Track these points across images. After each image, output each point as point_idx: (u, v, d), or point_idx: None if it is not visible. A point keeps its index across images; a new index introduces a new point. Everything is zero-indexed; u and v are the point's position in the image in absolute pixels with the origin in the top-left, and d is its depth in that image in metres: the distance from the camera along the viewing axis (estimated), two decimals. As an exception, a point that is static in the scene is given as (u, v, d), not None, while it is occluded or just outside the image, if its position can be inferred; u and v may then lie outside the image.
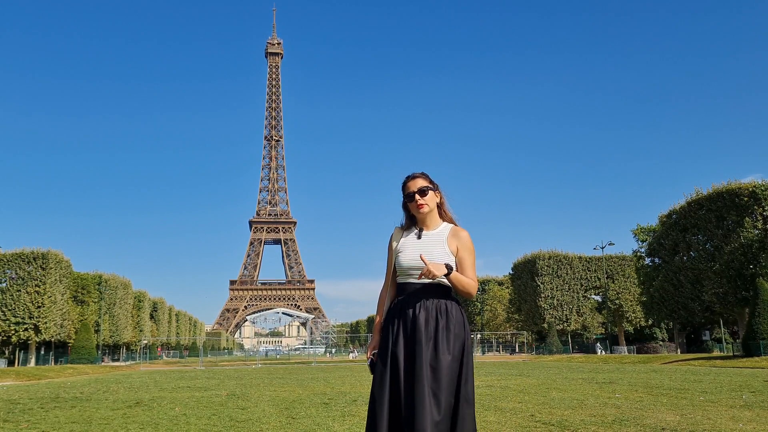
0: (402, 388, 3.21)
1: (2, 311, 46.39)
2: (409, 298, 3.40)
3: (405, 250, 3.47)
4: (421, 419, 3.06)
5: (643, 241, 57.98)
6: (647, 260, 48.18)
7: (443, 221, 3.58)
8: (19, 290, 47.03)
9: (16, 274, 47.44)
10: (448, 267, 3.26)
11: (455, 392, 3.20)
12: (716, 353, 43.43)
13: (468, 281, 3.33)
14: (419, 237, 3.50)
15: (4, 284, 47.64)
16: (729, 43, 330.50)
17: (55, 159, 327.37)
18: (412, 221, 3.60)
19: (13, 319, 46.34)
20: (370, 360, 3.49)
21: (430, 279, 3.33)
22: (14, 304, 46.69)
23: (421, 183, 3.52)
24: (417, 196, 3.49)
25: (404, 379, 3.22)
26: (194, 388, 16.47)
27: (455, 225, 3.57)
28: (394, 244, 3.55)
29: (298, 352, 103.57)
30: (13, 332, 46.40)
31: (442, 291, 3.40)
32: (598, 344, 55.36)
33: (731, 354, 35.04)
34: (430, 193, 3.51)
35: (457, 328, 3.32)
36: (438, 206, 3.58)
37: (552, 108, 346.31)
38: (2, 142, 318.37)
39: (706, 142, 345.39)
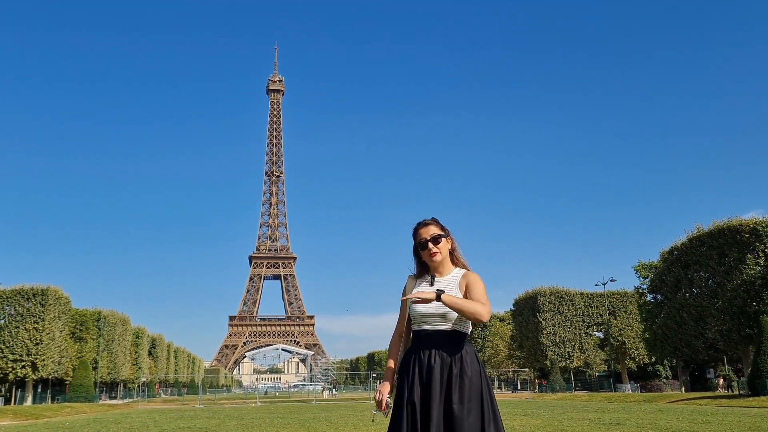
0: None
1: (0, 348, 45.98)
2: (423, 346, 3.38)
3: (418, 298, 3.46)
4: None
5: (644, 278, 57.80)
6: (649, 297, 47.96)
7: (455, 267, 3.58)
8: (18, 327, 46.67)
9: (15, 310, 47.15)
10: (438, 291, 3.24)
11: None
12: (721, 392, 42.93)
13: (470, 303, 3.25)
14: (432, 284, 3.51)
15: (3, 321, 47.31)
16: (730, 79, 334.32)
17: (55, 196, 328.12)
18: (424, 268, 3.61)
19: (10, 357, 45.88)
20: (386, 403, 3.43)
21: (440, 314, 3.32)
22: (12, 340, 46.29)
23: (433, 230, 3.53)
24: (430, 245, 3.49)
25: (421, 429, 3.19)
26: (195, 429, 16.24)
27: (468, 270, 3.57)
28: (408, 294, 3.56)
29: (297, 389, 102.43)
30: (10, 370, 45.89)
31: (457, 338, 3.38)
32: (630, 383, 54.16)
33: (737, 393, 34.65)
34: (443, 240, 3.52)
35: (474, 377, 3.29)
36: (450, 252, 3.58)
37: (553, 144, 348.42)
38: (2, 178, 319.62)
39: (706, 178, 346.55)
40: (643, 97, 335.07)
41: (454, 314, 3.34)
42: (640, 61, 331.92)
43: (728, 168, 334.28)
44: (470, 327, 3.48)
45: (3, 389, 53.57)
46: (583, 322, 58.94)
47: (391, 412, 3.38)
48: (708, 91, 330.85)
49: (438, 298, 3.23)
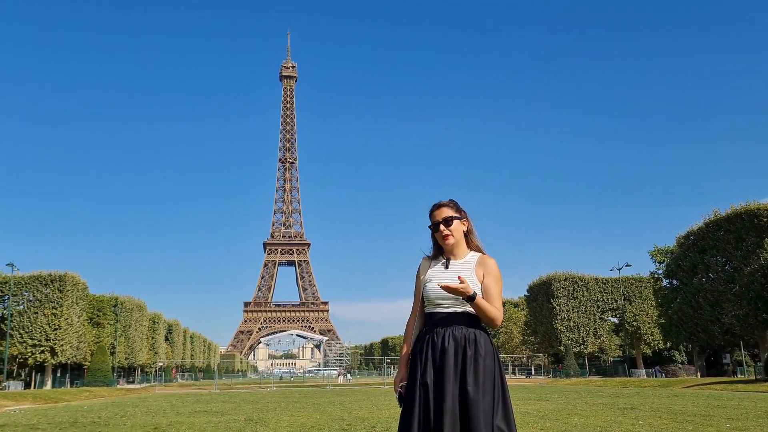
0: (432, 420, 3.16)
1: (19, 333, 46.66)
2: (436, 328, 3.36)
3: (432, 280, 3.44)
4: None
5: (660, 263, 57.47)
6: (665, 282, 47.66)
7: (470, 250, 3.55)
8: (36, 312, 47.33)
9: (34, 296, 47.78)
10: (475, 293, 3.23)
11: (491, 428, 3.13)
12: (739, 377, 42.68)
13: (493, 309, 3.27)
14: (446, 267, 3.48)
15: (22, 306, 47.98)
16: (749, 62, 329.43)
17: (72, 183, 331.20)
18: (440, 250, 3.58)
19: (30, 342, 46.58)
20: (398, 393, 3.44)
21: (454, 296, 3.29)
22: (31, 326, 46.97)
23: (446, 212, 3.49)
24: (442, 227, 3.46)
25: (434, 410, 3.18)
26: (211, 413, 16.40)
27: (483, 253, 3.54)
28: (422, 275, 3.53)
29: (312, 375, 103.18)
30: (29, 354, 46.61)
31: (470, 320, 3.35)
32: (658, 367, 54.05)
33: (753, 378, 34.43)
34: (456, 222, 3.48)
35: (487, 358, 3.27)
36: (465, 234, 3.55)
37: (569, 127, 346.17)
38: (20, 166, 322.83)
39: (723, 161, 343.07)
40: (662, 79, 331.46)
41: None
42: (662, 38, 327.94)
43: (746, 151, 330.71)
44: None
45: (23, 374, 54.43)
46: (598, 307, 58.75)
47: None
48: (726, 73, 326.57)
49: (472, 299, 3.21)
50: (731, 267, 37.14)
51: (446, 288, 3.18)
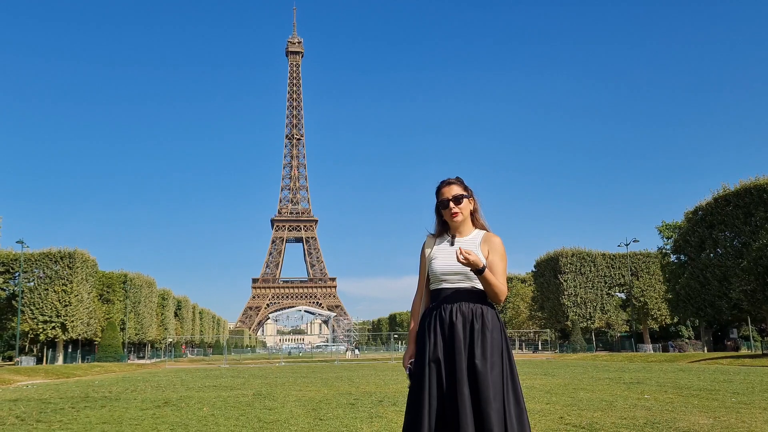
0: (444, 394, 3.18)
1: (30, 310, 47.17)
2: (443, 304, 3.37)
3: (438, 256, 3.44)
4: (465, 428, 3.05)
5: (668, 238, 57.34)
6: (673, 257, 47.58)
7: (475, 228, 3.54)
8: (47, 289, 47.78)
9: (44, 273, 48.20)
10: (485, 265, 3.23)
11: (501, 400, 3.16)
12: (744, 351, 42.77)
13: (500, 284, 3.28)
14: (452, 244, 3.47)
15: (32, 283, 48.44)
16: (757, 35, 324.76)
17: (81, 161, 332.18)
18: (444, 227, 3.56)
19: (41, 318, 47.10)
20: (408, 369, 3.46)
21: (460, 273, 3.30)
22: (42, 302, 47.46)
23: (456, 190, 3.47)
24: (452, 204, 3.45)
25: (447, 384, 3.20)
26: (220, 388, 16.59)
27: (488, 231, 3.53)
28: (427, 251, 3.53)
29: (320, 350, 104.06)
30: (41, 330, 47.16)
31: (477, 296, 3.36)
32: (670, 343, 54.35)
33: (760, 352, 34.48)
34: (465, 201, 3.47)
35: (495, 332, 3.28)
36: (471, 213, 3.54)
37: (576, 103, 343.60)
38: (29, 143, 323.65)
39: (732, 136, 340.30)
40: (670, 53, 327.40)
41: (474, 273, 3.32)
42: (668, 12, 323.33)
43: (756, 126, 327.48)
44: None
45: (35, 349, 55.17)
46: (605, 283, 58.77)
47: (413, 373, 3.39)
48: (736, 47, 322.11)
49: (482, 271, 3.21)
50: (739, 242, 37.00)
51: (462, 256, 3.17)
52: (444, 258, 3.40)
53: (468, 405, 3.10)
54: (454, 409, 3.11)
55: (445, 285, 3.39)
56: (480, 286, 3.34)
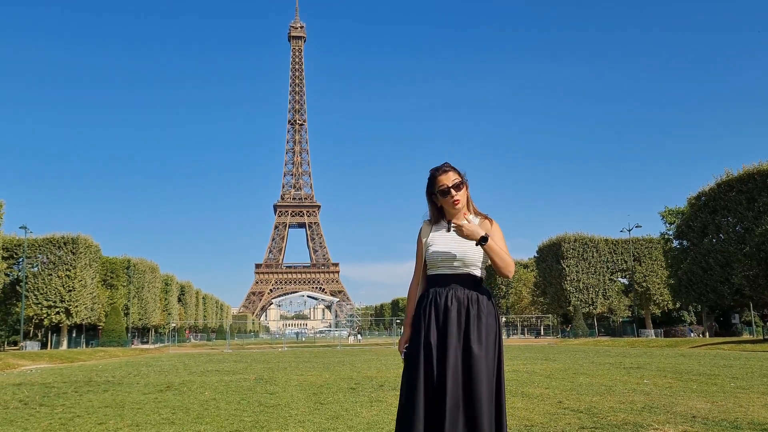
0: (436, 379, 3.21)
1: (34, 295, 47.42)
2: (440, 289, 3.38)
3: (436, 242, 3.45)
4: (456, 412, 3.08)
5: (671, 224, 57.25)
6: (675, 243, 47.54)
7: (469, 212, 3.54)
8: (51, 274, 47.99)
9: (48, 258, 48.39)
10: (487, 235, 3.25)
11: (495, 384, 3.20)
12: (746, 337, 42.85)
13: (506, 255, 3.32)
14: (449, 230, 3.47)
15: (36, 268, 48.65)
16: (761, 20, 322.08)
17: (84, 146, 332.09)
18: (440, 213, 3.56)
19: (45, 303, 47.36)
20: (403, 353, 3.49)
21: (457, 258, 3.33)
22: (46, 288, 47.69)
23: (453, 177, 3.45)
24: (453, 191, 3.44)
25: (437, 369, 3.22)
26: (222, 372, 16.70)
27: (481, 214, 3.54)
28: (424, 239, 3.53)
29: (323, 335, 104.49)
30: (45, 315, 47.44)
31: (473, 282, 3.38)
32: (690, 327, 54.47)
33: (761, 338, 34.53)
34: (463, 187, 3.47)
35: (490, 318, 3.31)
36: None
37: (579, 88, 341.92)
38: (33, 129, 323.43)
39: (735, 122, 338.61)
40: (673, 37, 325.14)
41: (471, 258, 3.33)
42: (670, 1, 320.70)
43: (759, 111, 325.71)
44: (484, 273, 3.47)
45: (39, 334, 55.51)
46: (607, 268, 58.83)
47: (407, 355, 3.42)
48: (740, 31, 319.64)
49: (485, 239, 3.23)
50: (742, 228, 36.94)
51: (458, 228, 3.20)
52: (441, 244, 3.41)
53: (459, 388, 3.14)
54: (441, 393, 3.15)
55: (441, 271, 3.41)
56: (476, 273, 3.36)
